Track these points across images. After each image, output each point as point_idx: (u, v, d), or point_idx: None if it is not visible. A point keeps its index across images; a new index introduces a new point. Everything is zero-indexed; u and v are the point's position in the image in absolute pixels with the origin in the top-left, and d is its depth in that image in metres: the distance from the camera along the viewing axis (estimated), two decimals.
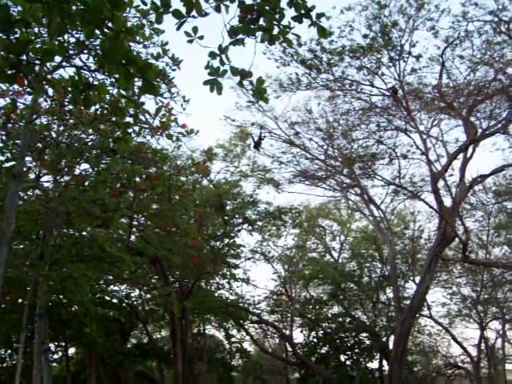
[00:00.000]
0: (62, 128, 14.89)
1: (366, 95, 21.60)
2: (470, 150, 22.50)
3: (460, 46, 19.56)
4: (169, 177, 13.07)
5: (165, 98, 12.92)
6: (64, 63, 9.11)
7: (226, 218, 23.34)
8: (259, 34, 6.75)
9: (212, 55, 6.61)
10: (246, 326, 34.70)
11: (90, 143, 14.95)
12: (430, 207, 22.42)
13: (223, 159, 24.74)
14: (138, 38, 11.26)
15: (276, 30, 6.73)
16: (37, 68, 7.14)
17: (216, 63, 6.62)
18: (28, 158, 15.49)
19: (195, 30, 6.81)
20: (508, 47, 20.04)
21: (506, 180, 26.98)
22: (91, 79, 8.51)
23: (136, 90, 8.75)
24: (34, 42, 7.70)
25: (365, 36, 18.62)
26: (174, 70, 12.27)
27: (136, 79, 6.63)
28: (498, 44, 19.91)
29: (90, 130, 14.58)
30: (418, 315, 29.60)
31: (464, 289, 38.34)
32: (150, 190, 12.30)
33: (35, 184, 14.28)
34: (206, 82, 6.66)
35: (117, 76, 8.67)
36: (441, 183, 22.64)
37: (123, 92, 8.93)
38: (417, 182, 24.89)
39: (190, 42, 6.96)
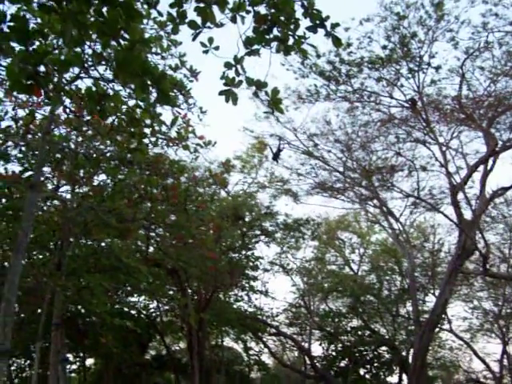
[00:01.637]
0: (80, 139, 15.02)
1: (384, 107, 21.50)
2: (491, 162, 22.24)
3: (480, 56, 19.39)
4: (186, 188, 13.07)
5: (182, 108, 13.04)
6: (81, 74, 9.22)
7: (243, 229, 23.27)
8: (274, 44, 6.81)
9: (227, 66, 6.67)
10: (265, 339, 34.57)
11: (107, 154, 15.06)
12: (450, 220, 22.16)
13: (241, 171, 24.75)
14: (155, 49, 11.35)
15: (291, 41, 6.78)
16: (55, 79, 7.24)
17: (231, 74, 6.70)
18: (46, 169, 15.70)
19: (211, 40, 6.92)
20: None
21: None
22: (108, 90, 8.59)
23: (152, 100, 8.84)
24: (52, 52, 7.78)
25: (384, 47, 18.57)
26: (191, 81, 12.36)
27: (152, 90, 6.70)
28: None
29: (108, 142, 14.67)
30: (438, 329, 29.20)
31: (485, 303, 37.79)
32: (167, 200, 12.30)
33: (53, 194, 14.40)
34: (221, 93, 6.70)
35: (133, 87, 8.82)
36: (460, 196, 22.40)
37: (140, 103, 9.01)
38: (436, 195, 24.62)
39: (206, 52, 7.06)
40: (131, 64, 6.16)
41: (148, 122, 10.89)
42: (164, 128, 11.06)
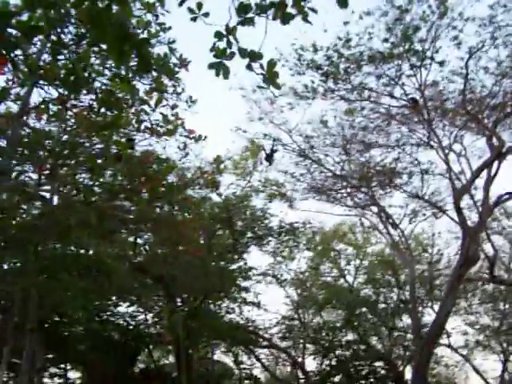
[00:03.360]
0: (63, 135, 14.01)
1: (384, 107, 20.55)
2: (495, 166, 21.32)
3: (484, 56, 18.51)
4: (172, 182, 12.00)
5: (168, 93, 12.02)
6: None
7: (235, 233, 22.22)
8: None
9: (218, 36, 5.93)
10: (257, 352, 33.50)
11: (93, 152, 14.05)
12: (454, 221, 21.09)
13: (233, 172, 23.73)
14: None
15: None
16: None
17: (223, 45, 5.93)
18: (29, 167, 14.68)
19: (199, 6, 6.05)
20: None
21: None
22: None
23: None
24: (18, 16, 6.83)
25: (385, 40, 17.61)
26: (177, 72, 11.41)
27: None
28: None
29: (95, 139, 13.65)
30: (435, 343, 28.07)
31: (482, 318, 36.78)
32: (150, 192, 11.23)
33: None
34: (210, 66, 5.97)
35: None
36: (464, 202, 21.47)
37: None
38: (439, 200, 23.55)
39: (194, 19, 6.27)
40: (105, 19, 5.41)
41: (130, 101, 9.95)
42: (148, 109, 10.00)
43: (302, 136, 22.35)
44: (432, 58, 18.05)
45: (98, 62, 8.37)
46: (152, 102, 10.14)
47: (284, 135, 22.46)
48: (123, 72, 8.09)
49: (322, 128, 22.37)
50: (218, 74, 6.03)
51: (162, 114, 10.40)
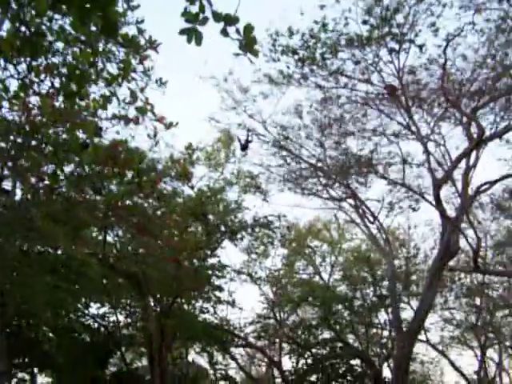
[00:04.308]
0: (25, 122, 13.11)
1: (361, 94, 19.99)
2: (473, 157, 20.91)
3: (465, 38, 18.05)
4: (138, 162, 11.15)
5: (135, 72, 11.23)
6: None
7: (208, 228, 21.45)
8: None
9: None
10: (232, 352, 32.82)
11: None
12: (432, 205, 20.49)
13: (206, 164, 22.92)
14: None
15: None
16: None
17: (195, 9, 5.38)
18: None
19: None
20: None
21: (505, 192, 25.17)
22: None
23: None
24: None
25: (364, 22, 16.97)
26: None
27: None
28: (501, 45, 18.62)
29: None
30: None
31: (457, 314, 36.54)
32: (118, 177, 10.42)
33: None
34: (182, 32, 5.44)
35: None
36: (442, 194, 20.96)
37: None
38: (417, 192, 22.97)
39: None
40: None
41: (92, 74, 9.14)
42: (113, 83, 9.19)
43: (277, 127, 21.69)
44: (411, 41, 17.48)
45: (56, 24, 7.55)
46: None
47: (258, 125, 21.81)
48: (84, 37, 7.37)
49: (297, 119, 21.78)
50: (189, 41, 5.47)
51: (129, 89, 9.59)
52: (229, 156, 23.47)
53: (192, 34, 5.38)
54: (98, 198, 12.81)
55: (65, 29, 7.54)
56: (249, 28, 5.58)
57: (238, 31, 5.65)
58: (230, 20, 5.40)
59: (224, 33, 5.70)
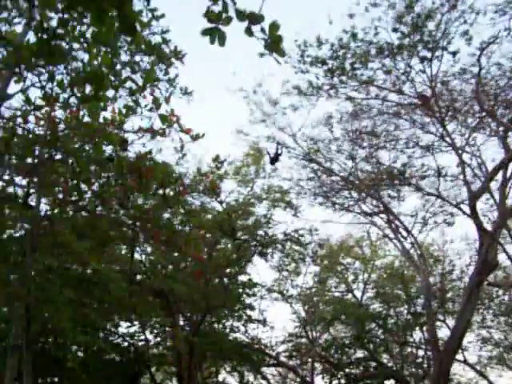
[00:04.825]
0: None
1: (393, 105, 19.53)
2: (511, 168, 20.24)
3: (499, 45, 17.48)
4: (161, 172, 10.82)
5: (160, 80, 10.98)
6: None
7: (238, 244, 21.08)
8: None
9: None
10: (264, 372, 32.29)
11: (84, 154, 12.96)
12: (469, 216, 19.80)
13: (234, 178, 22.59)
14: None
15: None
16: None
17: (218, 9, 5.24)
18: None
19: None
20: None
21: None
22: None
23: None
24: None
25: (394, 30, 16.56)
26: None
27: None
28: None
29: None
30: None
31: (495, 333, 35.38)
32: (142, 186, 10.10)
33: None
34: (204, 32, 5.28)
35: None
36: (478, 207, 20.29)
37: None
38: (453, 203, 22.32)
39: None
40: None
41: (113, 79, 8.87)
42: (134, 86, 8.94)
43: (307, 140, 21.34)
44: (444, 48, 16.99)
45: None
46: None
47: (288, 139, 21.51)
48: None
49: (327, 131, 21.42)
50: (212, 42, 5.29)
51: (152, 94, 9.32)
52: (259, 171, 23.12)
53: (215, 34, 5.20)
54: (123, 212, 12.51)
55: (83, 31, 7.31)
56: (274, 26, 5.31)
57: (262, 30, 5.40)
58: (254, 18, 5.14)
59: (248, 32, 5.40)
